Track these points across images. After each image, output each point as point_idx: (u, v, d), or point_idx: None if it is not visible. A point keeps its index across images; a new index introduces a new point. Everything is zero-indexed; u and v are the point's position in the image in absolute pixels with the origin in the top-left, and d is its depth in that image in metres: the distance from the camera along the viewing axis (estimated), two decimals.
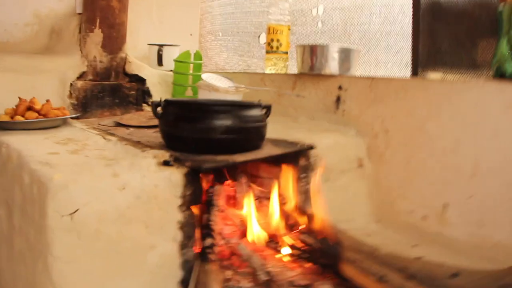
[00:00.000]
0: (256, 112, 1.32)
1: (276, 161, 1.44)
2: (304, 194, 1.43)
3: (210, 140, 1.23)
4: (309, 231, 1.24)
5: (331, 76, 1.74)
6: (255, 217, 1.29)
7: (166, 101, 1.31)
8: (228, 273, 1.16)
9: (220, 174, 1.46)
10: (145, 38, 2.45)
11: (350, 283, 1.10)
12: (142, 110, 2.07)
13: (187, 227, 1.14)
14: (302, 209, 1.32)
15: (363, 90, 1.64)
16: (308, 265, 1.20)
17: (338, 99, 1.73)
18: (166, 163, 1.15)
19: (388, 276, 1.04)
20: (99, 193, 0.98)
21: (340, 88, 1.72)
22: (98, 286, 0.98)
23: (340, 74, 1.73)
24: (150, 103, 2.10)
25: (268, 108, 1.41)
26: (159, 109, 1.34)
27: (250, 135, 1.29)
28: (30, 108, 1.53)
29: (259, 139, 1.34)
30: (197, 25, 2.72)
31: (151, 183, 1.06)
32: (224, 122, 1.23)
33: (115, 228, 0.99)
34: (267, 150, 1.33)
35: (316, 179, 1.44)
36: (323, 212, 1.32)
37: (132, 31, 2.23)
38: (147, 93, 2.13)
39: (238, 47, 2.55)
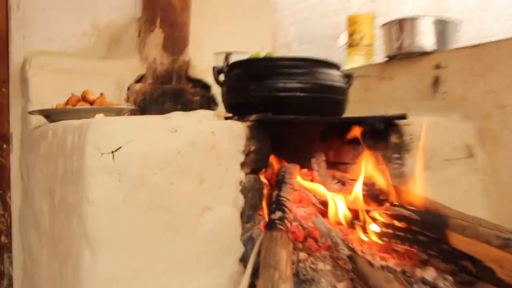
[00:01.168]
0: (334, 72, 1.25)
1: (359, 140, 1.34)
2: (398, 179, 1.30)
3: (280, 99, 1.17)
4: (403, 205, 1.10)
5: (425, 54, 1.65)
6: (336, 196, 1.18)
7: (231, 64, 1.29)
8: (302, 255, 1.05)
9: (294, 158, 1.38)
10: (211, 51, 2.51)
11: (461, 256, 0.94)
12: None
13: (251, 192, 1.06)
14: (395, 186, 1.19)
15: (467, 63, 1.53)
16: (403, 246, 1.06)
17: (436, 81, 1.62)
18: (228, 118, 1.11)
19: None
20: (147, 131, 0.94)
21: (437, 66, 1.61)
22: (138, 246, 0.91)
23: (436, 51, 1.63)
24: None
25: (350, 76, 1.34)
26: (221, 76, 1.32)
27: (327, 95, 1.21)
28: (82, 100, 1.57)
29: (338, 104, 1.26)
30: (269, 39, 2.75)
31: (208, 129, 1.01)
32: (296, 78, 1.17)
33: (163, 176, 0.94)
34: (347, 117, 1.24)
35: (414, 161, 1.31)
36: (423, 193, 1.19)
37: (197, 44, 2.29)
38: (212, 101, 2.13)
39: (316, 55, 2.53)
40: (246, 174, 1.05)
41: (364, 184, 1.21)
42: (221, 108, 2.14)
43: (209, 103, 2.12)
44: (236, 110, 1.24)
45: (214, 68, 1.30)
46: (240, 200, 1.03)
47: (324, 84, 1.20)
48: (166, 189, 0.94)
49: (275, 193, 1.18)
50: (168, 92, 2.00)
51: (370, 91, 1.86)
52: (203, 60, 2.41)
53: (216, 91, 2.15)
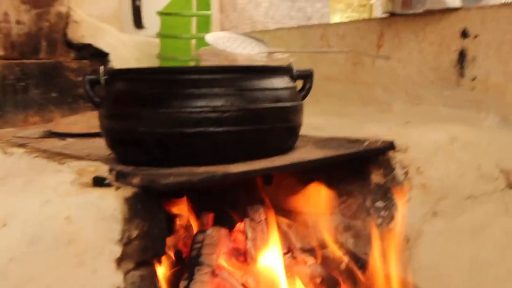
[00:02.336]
0: (277, 82, 1.36)
1: (323, 178, 1.45)
2: (382, 243, 1.43)
3: (185, 139, 1.27)
4: None
5: (447, 13, 1.75)
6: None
7: (110, 72, 1.38)
8: None
9: (222, 211, 1.49)
10: None
11: None
12: None
13: None
14: (372, 270, 1.32)
15: (511, 29, 1.63)
16: None
17: (461, 57, 1.72)
18: (98, 182, 1.21)
19: None
20: None
21: (464, 34, 1.72)
22: None
23: (463, 8, 1.73)
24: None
25: (306, 77, 1.44)
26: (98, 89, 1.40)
27: (264, 126, 1.31)
28: None
29: (283, 135, 1.36)
30: None
31: (59, 213, 1.10)
32: (210, 101, 1.27)
33: None
34: (298, 155, 1.35)
35: (406, 213, 1.44)
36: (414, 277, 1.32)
37: None
38: None
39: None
40: (127, 272, 1.16)
41: (322, 261, 1.33)
42: None
43: None
44: (120, 151, 1.35)
45: (85, 77, 1.38)
46: None
47: (258, 108, 1.30)
48: None
49: (182, 284, 1.31)
50: (34, 72, 2.08)
51: (363, 66, 1.96)
52: (102, 7, 2.48)
53: (118, 62, 2.24)
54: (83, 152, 1.52)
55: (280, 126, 1.34)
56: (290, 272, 1.37)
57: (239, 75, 1.32)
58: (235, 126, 1.27)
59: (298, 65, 2.01)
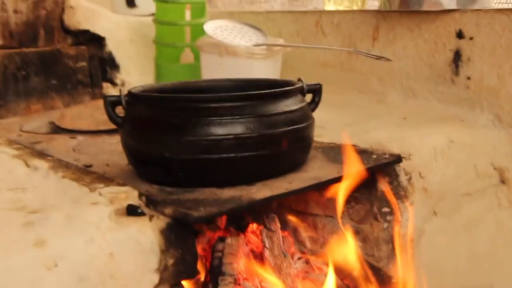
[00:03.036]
0: (292, 104, 1.45)
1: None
2: (388, 245, 1.54)
3: (209, 163, 1.36)
4: None
5: (442, 13, 1.83)
6: None
7: (131, 94, 1.45)
8: None
9: (235, 216, 1.59)
10: None
11: None
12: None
13: None
14: (381, 274, 1.43)
15: (505, 34, 1.71)
16: None
17: (457, 57, 1.81)
18: (131, 211, 1.30)
19: None
20: (12, 276, 1.12)
21: (460, 35, 1.80)
22: None
23: (459, 9, 1.81)
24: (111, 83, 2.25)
25: (315, 92, 1.53)
26: (119, 109, 1.47)
27: (281, 148, 1.41)
28: None
29: (298, 153, 1.47)
30: None
31: (103, 251, 1.19)
32: (232, 129, 1.35)
33: None
34: (313, 172, 1.46)
35: (410, 215, 1.55)
36: (422, 277, 1.44)
37: None
38: (109, 63, 2.27)
39: None
40: None
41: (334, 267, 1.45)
42: (123, 74, 2.30)
43: (104, 68, 2.27)
44: (142, 169, 1.44)
45: (106, 98, 1.45)
46: None
47: (275, 132, 1.38)
48: None
49: None
50: (33, 60, 2.12)
51: (358, 56, 2.04)
52: None
53: (114, 46, 2.29)
54: (100, 158, 1.61)
55: (296, 146, 1.44)
56: (305, 279, 1.48)
57: (257, 102, 1.40)
58: (254, 151, 1.36)
59: (293, 51, 2.11)
